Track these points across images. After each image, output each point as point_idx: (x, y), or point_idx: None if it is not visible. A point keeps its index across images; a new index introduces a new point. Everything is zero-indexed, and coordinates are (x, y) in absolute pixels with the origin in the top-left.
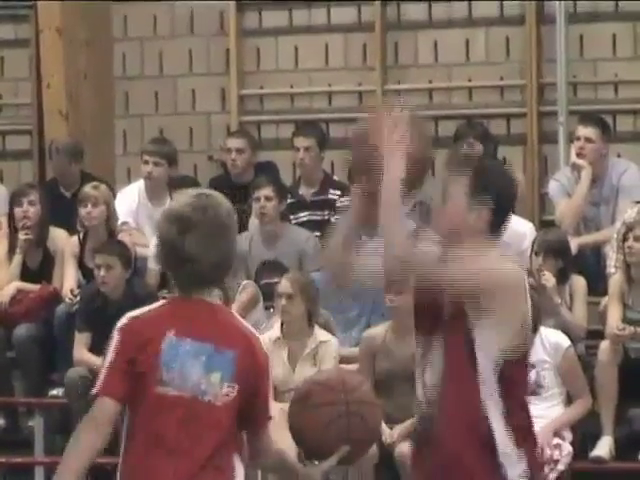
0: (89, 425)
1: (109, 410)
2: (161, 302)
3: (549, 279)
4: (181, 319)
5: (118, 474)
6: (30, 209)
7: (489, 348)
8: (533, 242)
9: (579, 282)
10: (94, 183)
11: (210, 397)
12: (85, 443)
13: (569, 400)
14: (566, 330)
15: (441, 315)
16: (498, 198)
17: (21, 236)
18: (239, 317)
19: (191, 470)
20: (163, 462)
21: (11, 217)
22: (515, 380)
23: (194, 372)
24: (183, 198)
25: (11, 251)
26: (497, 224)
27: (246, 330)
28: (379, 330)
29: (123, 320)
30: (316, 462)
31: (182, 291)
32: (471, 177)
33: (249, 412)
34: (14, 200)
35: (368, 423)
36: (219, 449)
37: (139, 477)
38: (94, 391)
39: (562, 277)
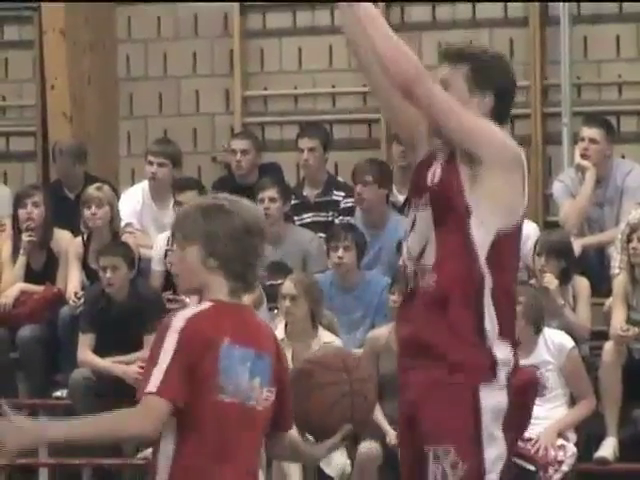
0: (138, 416)
1: (163, 411)
2: (208, 304)
3: (551, 281)
4: (232, 324)
5: (166, 476)
6: (34, 211)
7: (484, 220)
8: (536, 243)
9: (582, 283)
10: (98, 184)
11: (254, 402)
12: (124, 426)
13: (573, 401)
14: (570, 331)
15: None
16: (498, 84)
17: (25, 237)
18: (260, 317)
19: (240, 475)
20: (217, 468)
21: (15, 218)
22: (505, 252)
23: (243, 378)
24: (248, 207)
25: (15, 252)
26: (500, 111)
27: (272, 332)
28: (383, 331)
29: (179, 321)
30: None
31: (231, 295)
32: (469, 65)
33: (280, 413)
34: (18, 202)
35: (370, 401)
36: (257, 453)
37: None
38: (148, 390)
39: (565, 278)
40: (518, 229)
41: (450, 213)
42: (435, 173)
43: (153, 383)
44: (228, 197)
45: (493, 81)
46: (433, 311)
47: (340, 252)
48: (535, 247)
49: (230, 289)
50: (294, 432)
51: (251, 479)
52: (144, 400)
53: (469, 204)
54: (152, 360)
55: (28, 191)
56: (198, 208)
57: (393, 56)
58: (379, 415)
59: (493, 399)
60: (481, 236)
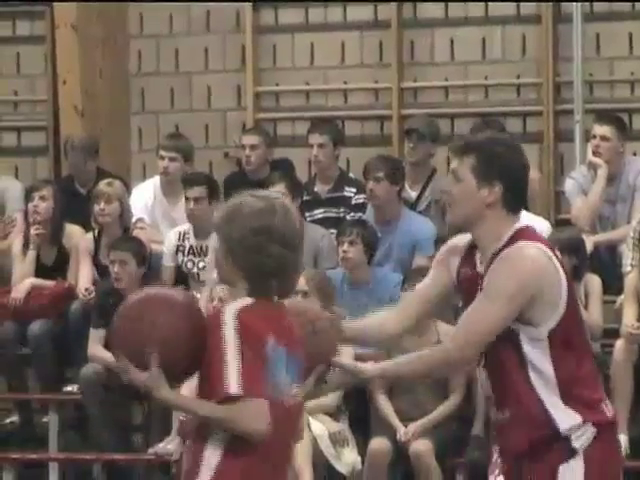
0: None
1: (266, 411)
2: (249, 301)
3: None
4: (273, 322)
5: (214, 473)
6: (41, 204)
7: (533, 335)
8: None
9: (594, 281)
10: (108, 180)
11: (287, 398)
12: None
13: None
14: None
15: None
16: (506, 171)
17: (33, 231)
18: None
19: (282, 474)
20: (263, 467)
21: (26, 213)
22: (569, 342)
23: (282, 376)
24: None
25: (26, 247)
26: (512, 198)
27: (295, 325)
28: None
29: (232, 313)
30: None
31: (256, 292)
32: (476, 156)
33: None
34: (27, 196)
35: (324, 336)
36: (291, 451)
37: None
38: (239, 392)
39: (576, 275)
40: (568, 312)
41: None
42: None
43: (233, 386)
44: (257, 195)
45: (500, 171)
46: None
47: (345, 247)
48: None
49: (248, 291)
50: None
51: (288, 473)
52: (238, 405)
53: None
54: (216, 361)
55: (37, 185)
56: (225, 211)
57: (433, 369)
58: (390, 411)
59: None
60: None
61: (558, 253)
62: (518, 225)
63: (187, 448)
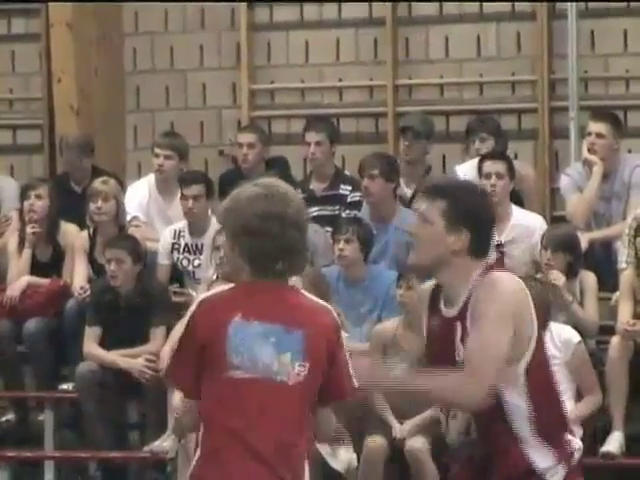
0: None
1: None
2: (229, 285)
3: (559, 277)
4: (248, 302)
5: (196, 459)
6: (36, 203)
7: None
8: (542, 237)
9: (589, 278)
10: (103, 178)
11: (283, 377)
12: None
13: (579, 396)
14: (576, 326)
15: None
16: (475, 220)
17: (28, 230)
18: (310, 296)
19: (269, 448)
20: (244, 444)
21: (22, 212)
22: (542, 377)
23: (264, 353)
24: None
25: (22, 245)
26: (478, 246)
27: (317, 308)
28: (389, 325)
29: (193, 305)
30: None
31: (256, 275)
32: (447, 201)
33: (325, 387)
34: (23, 194)
35: None
36: (293, 426)
37: (223, 460)
38: (165, 374)
39: (570, 272)
40: (538, 346)
41: None
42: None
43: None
44: (262, 183)
45: (469, 219)
46: None
47: (342, 244)
48: (542, 241)
49: (250, 272)
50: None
51: (285, 450)
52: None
53: None
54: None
55: (33, 183)
56: (226, 201)
57: (451, 402)
58: (385, 409)
59: None
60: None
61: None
62: (482, 265)
63: None
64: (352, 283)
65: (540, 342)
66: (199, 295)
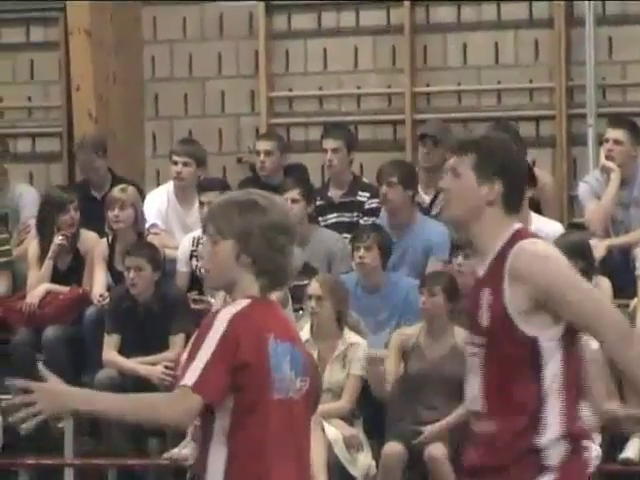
0: (171, 404)
1: (194, 405)
2: (247, 301)
3: None
4: (272, 320)
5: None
6: (76, 215)
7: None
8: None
9: (604, 283)
10: (122, 186)
11: (292, 393)
12: (156, 411)
13: None
14: None
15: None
16: (507, 169)
17: (57, 240)
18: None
19: (297, 468)
20: (277, 464)
21: (46, 221)
22: (574, 344)
23: (287, 373)
24: (279, 204)
25: (43, 253)
26: (511, 197)
27: (293, 322)
28: (412, 330)
29: (222, 320)
30: None
31: (261, 292)
32: (477, 153)
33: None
34: (60, 206)
35: None
36: (304, 441)
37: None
38: (183, 382)
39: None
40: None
41: None
42: None
43: (189, 377)
44: (260, 193)
45: (501, 168)
46: None
47: (362, 252)
48: None
49: (260, 286)
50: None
51: (304, 466)
52: (179, 391)
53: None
54: (191, 357)
55: (70, 196)
56: (233, 203)
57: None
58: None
59: None
60: None
61: None
62: (517, 226)
63: (196, 456)
64: (370, 290)
65: None
66: (223, 309)
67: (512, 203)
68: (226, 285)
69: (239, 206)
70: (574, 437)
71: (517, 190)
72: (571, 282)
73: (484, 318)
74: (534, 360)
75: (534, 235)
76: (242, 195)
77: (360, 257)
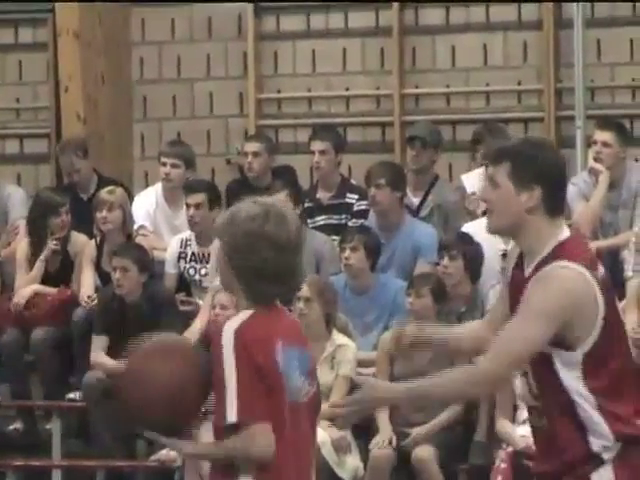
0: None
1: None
2: (249, 313)
3: None
4: (279, 327)
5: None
6: (67, 218)
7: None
8: None
9: None
10: (110, 188)
11: (303, 398)
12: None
13: None
14: None
15: None
16: (544, 174)
17: (51, 246)
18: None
19: (309, 470)
20: (293, 466)
21: (37, 222)
22: (606, 360)
23: (297, 377)
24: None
25: (34, 255)
26: (552, 200)
27: (300, 327)
28: None
29: (228, 336)
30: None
31: (245, 293)
32: (511, 161)
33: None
34: (52, 209)
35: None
36: (313, 445)
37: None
38: (236, 420)
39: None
40: (605, 330)
41: None
42: None
43: (240, 410)
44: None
45: (538, 174)
46: None
47: (347, 253)
48: None
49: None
50: None
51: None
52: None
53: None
54: (222, 384)
55: (62, 199)
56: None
57: (467, 390)
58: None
59: None
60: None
61: (600, 268)
62: (562, 236)
63: None
64: (359, 292)
65: (609, 322)
66: (227, 323)
67: (554, 206)
68: (227, 290)
69: (226, 220)
70: (629, 439)
71: (558, 192)
72: (534, 307)
73: None
74: (556, 380)
75: (575, 254)
76: (233, 208)
77: (346, 258)
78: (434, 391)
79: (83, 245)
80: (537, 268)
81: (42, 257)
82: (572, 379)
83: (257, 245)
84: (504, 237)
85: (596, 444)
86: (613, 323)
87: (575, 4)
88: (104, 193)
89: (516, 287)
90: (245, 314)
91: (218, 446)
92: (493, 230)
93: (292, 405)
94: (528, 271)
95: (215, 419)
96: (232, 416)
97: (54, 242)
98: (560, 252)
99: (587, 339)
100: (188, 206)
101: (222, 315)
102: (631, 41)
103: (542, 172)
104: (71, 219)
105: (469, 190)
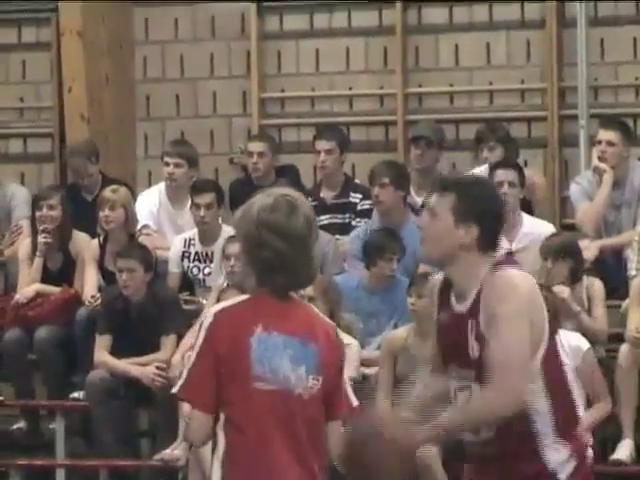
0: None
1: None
2: (243, 297)
3: (563, 290)
4: (266, 314)
5: (220, 472)
6: (49, 213)
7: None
8: (540, 248)
9: (596, 285)
10: (113, 186)
11: (300, 390)
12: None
13: (589, 403)
14: (586, 334)
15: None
16: (484, 214)
17: (40, 239)
18: (317, 311)
19: (291, 464)
20: (270, 457)
21: (33, 220)
22: (557, 371)
23: (284, 365)
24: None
25: (33, 254)
26: (487, 241)
27: (326, 323)
28: (400, 332)
29: (209, 317)
30: None
31: (260, 285)
32: (456, 194)
33: (330, 403)
34: (35, 203)
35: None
36: (309, 441)
37: (250, 474)
38: (177, 393)
39: (574, 278)
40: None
41: None
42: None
43: (183, 386)
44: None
45: (478, 213)
46: None
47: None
48: (540, 252)
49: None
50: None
51: (301, 464)
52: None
53: None
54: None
55: (45, 193)
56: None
57: (495, 412)
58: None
59: None
60: None
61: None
62: (495, 258)
63: None
64: (372, 291)
65: (552, 336)
66: (210, 307)
67: (488, 245)
68: (243, 284)
69: (241, 213)
70: (580, 453)
71: (493, 234)
72: (508, 312)
73: (475, 350)
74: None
75: (515, 265)
76: (249, 201)
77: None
78: (469, 419)
79: (84, 244)
80: (477, 293)
81: (37, 253)
82: (534, 393)
83: (267, 236)
84: (436, 266)
85: (552, 461)
86: (552, 333)
87: (578, 3)
88: (107, 192)
89: (452, 329)
90: (237, 299)
91: None
92: (424, 257)
93: (274, 393)
94: (464, 307)
95: None
96: (176, 387)
97: (42, 235)
98: (500, 266)
99: (541, 343)
100: (198, 206)
101: None
102: (634, 40)
103: (483, 212)
104: (75, 220)
105: None
